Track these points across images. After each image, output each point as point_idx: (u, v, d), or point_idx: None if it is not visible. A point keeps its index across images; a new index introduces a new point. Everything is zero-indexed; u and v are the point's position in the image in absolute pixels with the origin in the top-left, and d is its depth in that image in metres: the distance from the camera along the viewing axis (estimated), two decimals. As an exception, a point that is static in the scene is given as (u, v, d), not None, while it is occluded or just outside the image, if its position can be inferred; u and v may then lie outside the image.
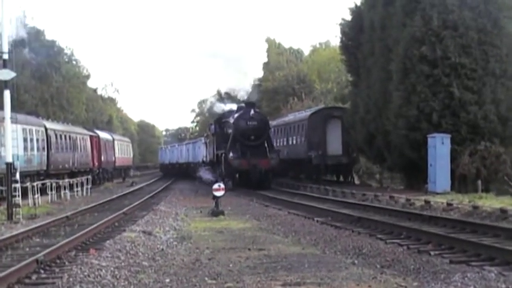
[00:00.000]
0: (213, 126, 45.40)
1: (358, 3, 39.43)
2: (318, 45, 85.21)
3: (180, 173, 71.29)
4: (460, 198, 23.90)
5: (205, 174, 48.51)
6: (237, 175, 36.92)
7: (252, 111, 38.80)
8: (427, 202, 23.24)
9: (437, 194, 27.18)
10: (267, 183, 36.75)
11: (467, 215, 19.49)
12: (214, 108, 66.58)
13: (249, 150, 37.02)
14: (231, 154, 36.27)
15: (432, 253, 12.50)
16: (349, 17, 40.89)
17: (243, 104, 42.64)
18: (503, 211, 18.68)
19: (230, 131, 39.24)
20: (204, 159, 52.52)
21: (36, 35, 66.50)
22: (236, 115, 40.03)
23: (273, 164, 37.04)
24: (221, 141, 40.62)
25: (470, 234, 14.57)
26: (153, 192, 38.48)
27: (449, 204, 21.80)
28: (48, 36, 71.26)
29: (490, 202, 22.02)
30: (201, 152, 56.34)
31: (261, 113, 42.21)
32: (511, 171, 30.27)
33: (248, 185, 35.96)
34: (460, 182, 29.12)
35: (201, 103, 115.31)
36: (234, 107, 46.57)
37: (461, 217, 18.83)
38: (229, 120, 41.07)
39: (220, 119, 43.89)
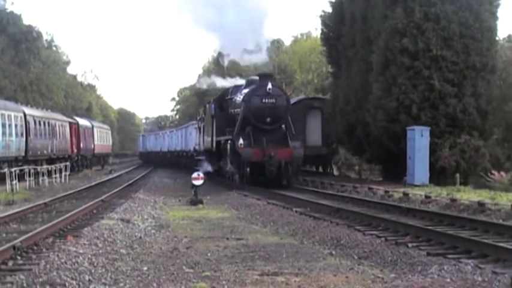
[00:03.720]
0: (212, 106, 35.85)
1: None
2: (299, 36, 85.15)
3: (166, 163, 68.85)
4: (439, 191, 24.03)
5: (204, 166, 37.91)
6: (248, 168, 27.97)
7: (270, 85, 29.18)
8: (405, 194, 23.37)
9: (416, 186, 27.32)
10: (287, 180, 28.97)
11: (445, 207, 19.62)
12: (204, 84, 58.84)
13: (265, 136, 28.37)
14: (240, 141, 27.75)
15: (410, 245, 12.54)
16: (330, 9, 40.97)
17: (254, 77, 33.74)
18: (480, 204, 18.82)
19: (237, 111, 30.79)
20: (197, 147, 44.37)
21: (14, 19, 66.05)
22: (246, 90, 31.06)
23: (296, 155, 28.28)
24: (223, 125, 31.97)
25: (448, 227, 14.65)
26: (132, 180, 38.39)
27: (427, 197, 21.94)
28: (26, 21, 70.77)
29: (468, 195, 22.15)
30: (192, 139, 49.39)
31: (281, 88, 32.46)
32: (489, 164, 30.50)
33: (262, 181, 28.02)
34: (439, 175, 29.28)
35: (182, 91, 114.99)
36: (238, 82, 38.18)
37: (439, 210, 18.97)
38: (235, 98, 32.47)
39: (223, 97, 35.41)
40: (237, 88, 33.95)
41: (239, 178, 28.73)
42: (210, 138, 35.53)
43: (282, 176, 28.39)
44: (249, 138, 28.25)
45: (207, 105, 39.37)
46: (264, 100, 28.92)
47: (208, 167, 36.24)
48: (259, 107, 28.98)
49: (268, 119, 28.84)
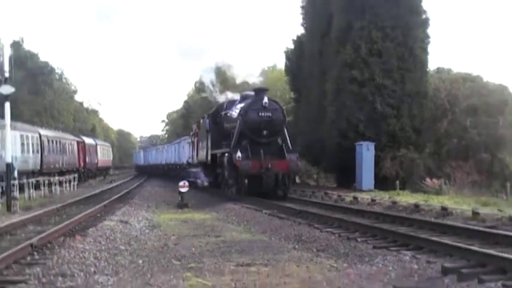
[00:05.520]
0: (207, 121, 31.83)
1: (299, 35, 39.87)
2: (266, 68, 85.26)
3: (159, 174, 66.89)
4: (382, 195, 24.21)
5: (200, 177, 35.02)
6: (246, 180, 24.38)
7: (266, 99, 25.49)
8: (355, 198, 23.38)
9: (363, 191, 27.51)
10: (283, 192, 25.01)
11: (388, 208, 19.68)
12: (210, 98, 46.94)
13: (262, 149, 24.64)
14: (238, 154, 24.28)
15: (359, 240, 12.59)
16: (292, 46, 41.25)
17: (248, 92, 29.66)
18: (416, 206, 18.92)
19: (233, 125, 27.01)
20: (190, 160, 40.37)
21: (31, 57, 66.17)
22: (241, 105, 27.33)
23: (292, 167, 24.77)
24: (218, 139, 28.52)
25: (390, 225, 14.69)
26: (129, 189, 38.07)
27: (373, 200, 22.01)
28: (42, 58, 71.04)
29: (406, 198, 22.36)
30: (185, 153, 44.83)
31: (277, 102, 27.79)
32: (423, 173, 30.82)
33: (259, 193, 24.25)
34: (382, 182, 29.49)
35: (170, 114, 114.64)
36: (234, 96, 33.09)
37: (382, 210, 18.99)
38: (230, 113, 28.76)
39: (217, 112, 31.05)
40: (231, 103, 30.11)
41: (236, 190, 25.07)
42: (204, 152, 31.85)
43: (279, 187, 24.58)
44: (247, 151, 24.39)
45: (201, 121, 35.07)
46: (260, 114, 25.35)
47: (203, 179, 33.50)
48: (256, 121, 25.33)
49: (265, 132, 25.29)
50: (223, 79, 45.41)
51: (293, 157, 24.73)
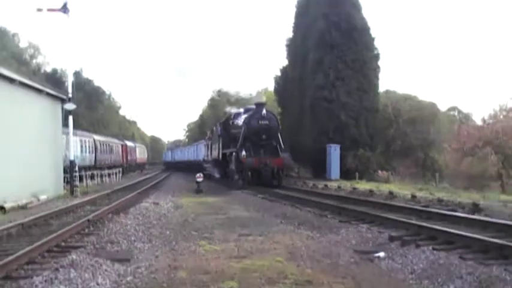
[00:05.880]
0: (219, 128, 31.29)
1: (285, 65, 39.93)
2: (260, 90, 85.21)
3: (182, 168, 64.05)
4: (345, 183, 24.29)
5: (213, 171, 34.03)
6: (249, 173, 24.18)
7: (264, 111, 25.48)
8: (325, 185, 23.51)
9: (332, 180, 27.64)
10: (278, 182, 24.46)
11: (350, 193, 19.78)
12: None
13: (261, 149, 24.89)
14: (243, 153, 24.10)
15: (328, 216, 12.61)
16: (279, 73, 41.32)
17: (250, 106, 29.47)
18: (370, 191, 19.06)
19: (237, 131, 26.56)
20: (205, 158, 39.56)
21: (88, 82, 66.49)
22: (246, 115, 26.84)
23: (285, 163, 24.70)
24: (227, 142, 28.41)
25: (351, 205, 14.72)
26: (159, 179, 38.11)
27: (339, 187, 22.12)
28: (96, 83, 71.78)
29: (363, 185, 22.48)
30: (202, 152, 43.83)
31: (273, 113, 27.35)
32: (375, 167, 30.97)
33: (259, 183, 23.97)
34: (346, 173, 29.59)
35: (189, 125, 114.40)
36: (239, 110, 31.88)
37: (346, 194, 19.10)
38: (236, 122, 28.21)
39: (226, 121, 30.55)
40: (237, 114, 29.37)
41: (242, 180, 24.43)
42: (216, 151, 31.51)
43: (274, 178, 24.15)
44: (250, 150, 24.34)
45: (214, 128, 34.45)
46: (260, 122, 25.01)
47: (216, 172, 32.76)
48: (256, 127, 24.93)
49: (264, 136, 24.98)
50: (228, 99, 45.71)
51: (285, 155, 24.53)
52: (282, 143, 25.21)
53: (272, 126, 25.05)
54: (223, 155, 28.82)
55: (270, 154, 24.33)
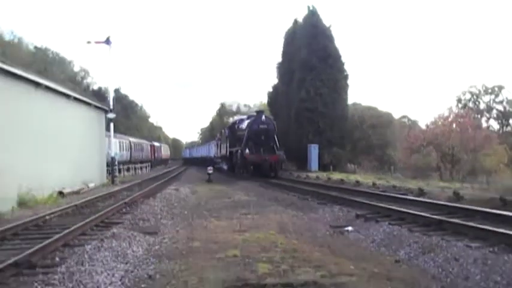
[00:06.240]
0: (227, 131, 30.35)
1: (276, 83, 39.82)
2: (257, 103, 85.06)
3: (197, 163, 62.11)
4: (323, 174, 24.22)
5: (222, 164, 33.22)
6: (252, 167, 23.80)
7: (263, 117, 24.98)
8: (307, 175, 23.47)
9: (312, 172, 27.52)
10: (274, 173, 23.74)
11: (326, 181, 19.75)
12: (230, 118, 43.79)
13: (261, 148, 23.93)
14: (247, 151, 23.47)
15: (309, 199, 12.59)
16: (271, 89, 41.15)
17: (252, 113, 28.81)
18: (341, 180, 19.04)
19: (242, 133, 25.52)
20: (215, 154, 38.29)
21: (124, 97, 66.46)
22: (249, 121, 25.82)
23: (280, 159, 23.82)
24: (234, 142, 27.34)
25: (326, 190, 14.72)
26: (178, 172, 37.94)
27: (317, 177, 22.02)
28: (131, 97, 71.83)
29: (336, 176, 22.37)
30: (212, 150, 42.63)
31: (270, 119, 26.44)
32: (345, 161, 30.92)
33: (260, 175, 23.30)
34: (323, 166, 29.55)
35: (202, 130, 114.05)
36: (242, 116, 32.17)
37: (323, 182, 19.10)
38: (240, 126, 27.25)
39: (233, 125, 29.44)
40: (241, 120, 28.74)
41: (245, 173, 24.04)
42: (225, 150, 30.70)
43: (271, 171, 23.44)
44: (252, 149, 23.79)
45: (223, 131, 33.83)
46: (260, 126, 24.26)
47: (224, 166, 32.15)
48: (257, 130, 24.19)
49: (263, 138, 24.11)
50: (231, 110, 45.74)
51: (281, 153, 23.93)
52: (277, 143, 24.59)
53: (270, 129, 24.44)
54: (230, 152, 28.25)
55: (268, 152, 23.71)
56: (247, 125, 25.15)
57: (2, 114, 11.86)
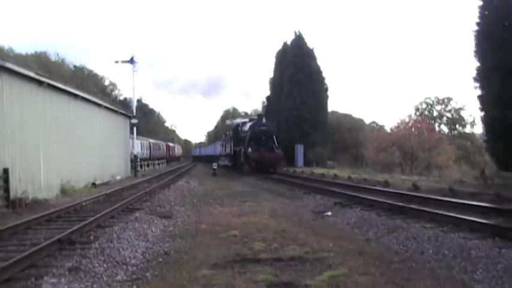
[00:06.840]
0: (231, 132, 28.77)
1: (268, 94, 39.75)
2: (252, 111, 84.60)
3: (204, 160, 60.73)
4: (308, 169, 24.10)
5: (225, 161, 31.39)
6: (253, 164, 22.27)
7: (264, 120, 23.91)
8: (294, 170, 23.36)
9: (299, 167, 27.42)
10: (274, 170, 22.70)
11: (310, 175, 19.69)
12: (228, 122, 42.56)
13: (262, 147, 22.58)
14: (249, 149, 22.25)
15: (296, 190, 12.57)
16: (265, 100, 41.08)
17: (253, 117, 27.77)
18: (323, 174, 19.01)
19: (244, 134, 24.22)
20: (221, 153, 36.80)
21: (145, 106, 66.38)
22: (251, 123, 24.54)
23: (278, 157, 22.62)
24: (237, 142, 25.84)
25: (311, 183, 14.73)
26: (188, 167, 37.75)
27: (303, 172, 21.93)
28: (150, 106, 71.77)
29: (318, 171, 22.21)
30: (218, 149, 40.79)
31: (270, 121, 24.83)
32: (326, 158, 30.90)
33: (259, 170, 21.88)
34: (307, 163, 29.46)
35: (209, 132, 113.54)
36: (245, 119, 30.10)
37: (307, 176, 19.07)
38: (243, 128, 25.73)
39: (236, 127, 27.69)
40: (244, 122, 27.32)
41: (248, 169, 22.56)
42: (229, 149, 29.30)
43: (271, 167, 22.27)
44: (253, 148, 22.55)
45: (227, 132, 32.27)
46: (261, 128, 23.19)
47: (228, 163, 30.30)
48: (258, 132, 23.06)
49: (264, 138, 22.96)
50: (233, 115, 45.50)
51: (279, 151, 22.96)
52: (276, 143, 23.62)
53: (269, 131, 23.44)
54: (234, 151, 27.33)
55: (268, 150, 22.73)
56: (250, 127, 24.27)
57: (50, 120, 11.85)
